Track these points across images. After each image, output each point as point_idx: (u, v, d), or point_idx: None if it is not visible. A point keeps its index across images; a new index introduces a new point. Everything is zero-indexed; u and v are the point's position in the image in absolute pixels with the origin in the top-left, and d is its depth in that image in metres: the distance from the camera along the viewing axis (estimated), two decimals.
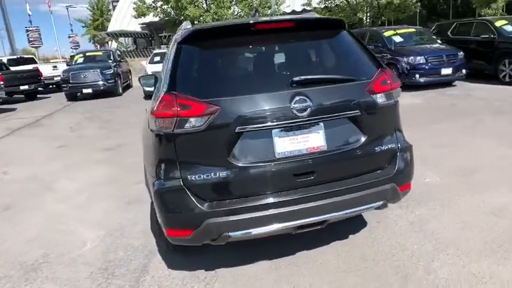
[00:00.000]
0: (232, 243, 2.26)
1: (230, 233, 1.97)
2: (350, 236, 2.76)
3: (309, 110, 1.97)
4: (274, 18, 2.64)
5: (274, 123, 1.96)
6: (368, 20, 14.41)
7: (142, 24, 19.03)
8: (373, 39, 10.53)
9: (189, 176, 1.97)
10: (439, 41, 10.04)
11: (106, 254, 2.80)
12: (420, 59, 8.90)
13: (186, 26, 2.50)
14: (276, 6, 16.55)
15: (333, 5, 14.69)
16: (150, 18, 17.08)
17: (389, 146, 2.22)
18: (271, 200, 1.99)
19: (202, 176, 1.96)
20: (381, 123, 2.18)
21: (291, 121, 1.98)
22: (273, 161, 1.99)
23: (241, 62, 2.18)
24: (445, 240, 2.58)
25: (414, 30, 10.94)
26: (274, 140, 1.99)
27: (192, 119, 1.91)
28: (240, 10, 15.67)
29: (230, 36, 2.16)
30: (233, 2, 15.04)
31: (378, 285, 2.19)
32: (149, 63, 12.58)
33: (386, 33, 10.19)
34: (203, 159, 1.99)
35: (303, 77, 2.01)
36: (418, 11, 14.10)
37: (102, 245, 2.94)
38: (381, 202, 2.19)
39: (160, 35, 22.86)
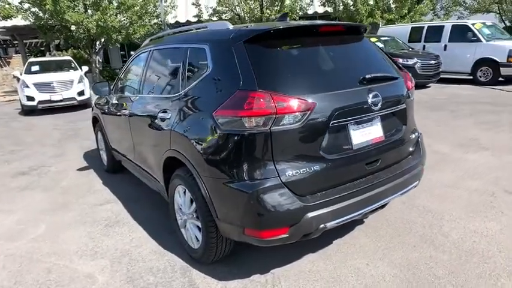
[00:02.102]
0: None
1: (326, 224, 2.03)
2: (364, 219, 3.07)
3: (379, 104, 2.21)
4: (331, 22, 2.78)
5: (353, 117, 2.13)
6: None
7: (1, 28, 15.92)
8: None
9: (286, 173, 1.95)
10: None
11: (134, 282, 2.42)
12: None
13: (226, 25, 2.41)
14: (164, 17, 16.21)
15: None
16: (14, 21, 14.48)
17: (415, 134, 2.63)
18: (353, 188, 2.13)
19: (298, 171, 1.97)
20: (410, 115, 2.57)
21: (365, 115, 2.18)
22: (351, 152, 2.15)
23: (311, 61, 2.24)
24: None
25: None
26: (350, 133, 2.14)
27: (290, 116, 1.90)
28: (126, 18, 14.73)
29: (298, 36, 2.22)
30: (121, 9, 14.02)
31: (419, 255, 2.55)
32: (25, 73, 10.70)
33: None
34: (297, 155, 1.99)
35: (372, 75, 2.23)
36: None
37: (118, 275, 2.52)
38: (417, 182, 2.57)
39: (26, 41, 19.46)
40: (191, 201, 2.48)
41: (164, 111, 2.62)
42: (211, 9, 16.10)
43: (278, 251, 2.63)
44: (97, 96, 4.60)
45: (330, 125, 2.03)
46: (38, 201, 3.94)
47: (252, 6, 14.69)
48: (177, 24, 20.04)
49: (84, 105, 10.67)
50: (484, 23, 11.00)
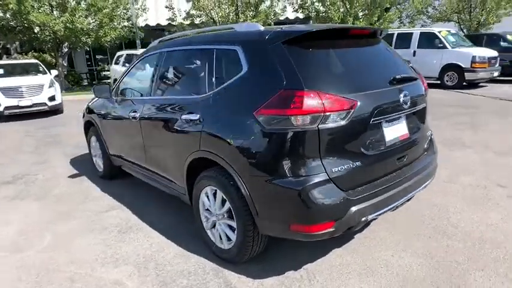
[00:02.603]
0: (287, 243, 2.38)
1: (367, 217, 2.13)
2: None
3: (408, 103, 2.35)
4: (359, 26, 2.87)
5: (387, 115, 2.25)
6: None
7: None
8: None
9: (332, 169, 2.02)
10: None
11: (167, 286, 2.38)
12: None
13: (257, 27, 2.46)
14: (136, 19, 15.84)
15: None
16: None
17: (430, 132, 2.82)
18: (388, 182, 2.25)
19: (342, 167, 2.05)
20: (425, 114, 2.74)
21: (397, 113, 2.32)
22: (385, 148, 2.28)
23: (345, 62, 2.33)
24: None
25: None
26: (383, 130, 2.26)
27: (335, 114, 1.98)
28: (95, 20, 14.25)
29: (331, 38, 2.31)
30: (90, 11, 13.53)
31: (436, 245, 2.71)
32: None
33: None
34: (341, 151, 2.07)
35: (402, 75, 2.37)
36: None
37: (148, 280, 2.47)
38: (433, 177, 2.74)
39: None
40: (223, 202, 2.49)
41: (190, 113, 2.61)
42: (184, 12, 15.96)
43: (304, 248, 2.70)
44: (94, 99, 4.47)
45: (370, 122, 2.14)
46: (34, 211, 3.74)
47: (227, 11, 14.75)
48: (147, 27, 19.68)
49: (55, 110, 10.21)
50: (449, 31, 11.79)
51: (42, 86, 9.83)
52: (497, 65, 11.28)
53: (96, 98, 4.52)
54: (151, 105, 3.15)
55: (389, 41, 12.37)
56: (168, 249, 2.85)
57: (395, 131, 2.35)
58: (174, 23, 16.19)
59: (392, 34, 12.24)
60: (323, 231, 2.03)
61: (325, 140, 2.00)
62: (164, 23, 19.02)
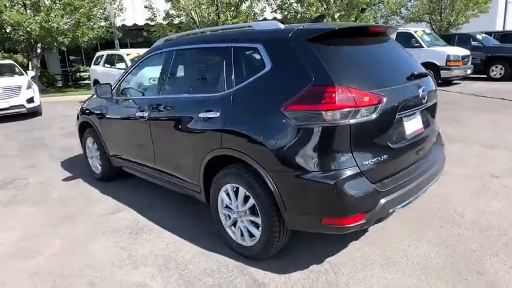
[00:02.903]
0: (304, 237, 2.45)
1: (395, 208, 2.20)
2: None
3: (426, 98, 2.45)
4: (376, 24, 2.93)
5: (408, 110, 2.34)
6: None
7: None
8: None
9: (362, 162, 2.08)
10: None
11: (194, 285, 2.37)
12: None
13: (276, 25, 2.48)
14: (114, 19, 15.44)
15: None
16: None
17: (438, 126, 2.94)
18: (411, 174, 2.34)
19: (371, 160, 2.11)
20: (436, 109, 2.86)
21: (416, 108, 2.41)
22: (406, 142, 2.36)
23: (368, 58, 2.39)
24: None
25: None
26: (404, 124, 2.35)
27: (365, 109, 2.04)
28: (71, 20, 13.79)
29: (353, 36, 2.37)
30: (67, 10, 13.04)
31: (448, 234, 2.84)
32: None
33: None
34: (370, 145, 2.13)
35: (419, 71, 2.47)
36: None
37: (173, 280, 2.44)
38: (442, 170, 2.86)
39: None
40: (245, 199, 2.50)
41: (208, 110, 2.60)
42: (164, 12, 15.71)
43: (322, 242, 2.76)
44: (92, 99, 4.34)
45: (396, 117, 2.22)
46: (34, 216, 3.59)
47: (207, 11, 14.64)
48: (124, 27, 19.26)
49: (33, 113, 9.82)
50: (424, 31, 12.25)
51: (19, 88, 9.42)
52: (470, 63, 11.83)
53: (93, 99, 4.40)
54: (162, 104, 3.11)
55: None
56: (185, 248, 2.82)
57: (413, 125, 2.44)
58: (152, 23, 15.89)
59: None
60: (354, 224, 2.08)
61: (355, 134, 2.05)
62: (141, 23, 18.67)
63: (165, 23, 15.60)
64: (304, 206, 2.18)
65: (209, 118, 2.59)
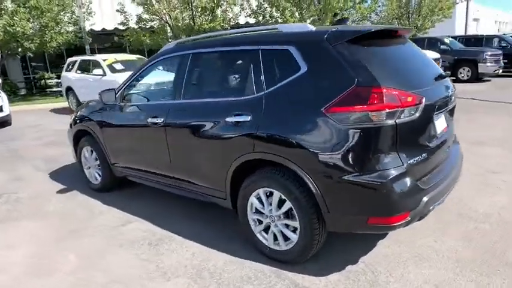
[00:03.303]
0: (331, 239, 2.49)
1: (434, 205, 2.25)
2: None
3: (453, 98, 2.54)
4: (402, 27, 2.98)
5: (440, 110, 2.43)
6: None
7: None
8: None
9: (408, 161, 2.12)
10: None
11: None
12: None
13: (307, 27, 2.48)
14: (83, 24, 14.86)
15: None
16: None
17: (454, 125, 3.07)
18: (444, 171, 2.42)
19: (414, 159, 2.16)
20: (455, 108, 2.96)
21: (445, 107, 2.51)
22: (437, 140, 2.44)
23: (401, 60, 2.44)
24: None
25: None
26: (435, 123, 2.42)
27: (409, 109, 2.08)
28: (38, 24, 13.09)
29: (383, 38, 2.42)
30: (32, 14, 12.36)
31: (466, 229, 2.95)
32: None
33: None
34: (413, 144, 2.18)
35: (442, 73, 2.56)
36: None
37: None
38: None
39: None
40: (279, 202, 2.47)
41: (237, 115, 2.55)
42: (136, 16, 15.33)
43: (350, 242, 2.78)
44: (88, 106, 4.14)
45: (433, 116, 2.28)
46: (37, 231, 3.36)
47: (182, 15, 14.45)
48: (93, 32, 18.58)
49: (2, 123, 9.22)
50: None
51: None
52: (440, 65, 12.48)
53: (90, 105, 4.20)
54: (180, 110, 3.01)
55: None
56: (214, 257, 2.74)
57: (441, 123, 2.53)
58: (124, 28, 15.44)
59: None
60: (400, 222, 2.12)
61: (400, 134, 2.09)
62: (110, 27, 18.08)
63: (137, 27, 15.22)
64: (349, 207, 2.19)
65: (238, 122, 2.55)
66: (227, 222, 3.21)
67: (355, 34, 2.26)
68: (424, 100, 2.18)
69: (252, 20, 17.99)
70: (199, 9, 14.75)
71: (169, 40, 15.05)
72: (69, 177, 4.79)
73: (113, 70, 9.64)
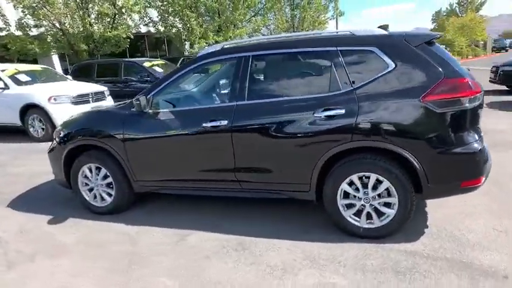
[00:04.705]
0: None
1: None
2: None
3: None
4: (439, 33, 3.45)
5: None
6: (86, 53, 13.67)
7: None
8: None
9: (479, 135, 2.71)
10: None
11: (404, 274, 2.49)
12: None
13: (373, 31, 2.86)
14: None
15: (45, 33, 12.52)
16: None
17: None
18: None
19: (481, 134, 2.75)
20: None
21: None
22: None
23: (448, 56, 2.92)
24: None
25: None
26: None
27: (474, 97, 2.63)
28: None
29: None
30: None
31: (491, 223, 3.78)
32: None
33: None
34: (477, 123, 2.76)
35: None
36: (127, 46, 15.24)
37: (361, 279, 2.50)
38: None
39: None
40: (375, 184, 2.79)
41: (328, 109, 2.76)
42: (15, 21, 13.03)
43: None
44: (91, 117, 3.61)
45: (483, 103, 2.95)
46: (98, 272, 2.83)
47: (77, 22, 12.94)
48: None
49: None
50: None
51: None
52: None
53: (92, 118, 3.72)
54: (248, 110, 3.01)
55: None
56: (310, 248, 2.84)
57: None
58: (3, 34, 12.97)
59: None
60: (481, 183, 2.72)
61: (470, 116, 2.66)
62: None
63: (18, 33, 12.98)
64: (447, 175, 2.67)
65: (330, 116, 2.77)
66: (291, 217, 3.34)
67: (431, 37, 2.78)
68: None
69: (152, 29, 17.48)
70: (97, 16, 13.50)
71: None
72: (54, 206, 4.02)
73: (18, 82, 8.14)
